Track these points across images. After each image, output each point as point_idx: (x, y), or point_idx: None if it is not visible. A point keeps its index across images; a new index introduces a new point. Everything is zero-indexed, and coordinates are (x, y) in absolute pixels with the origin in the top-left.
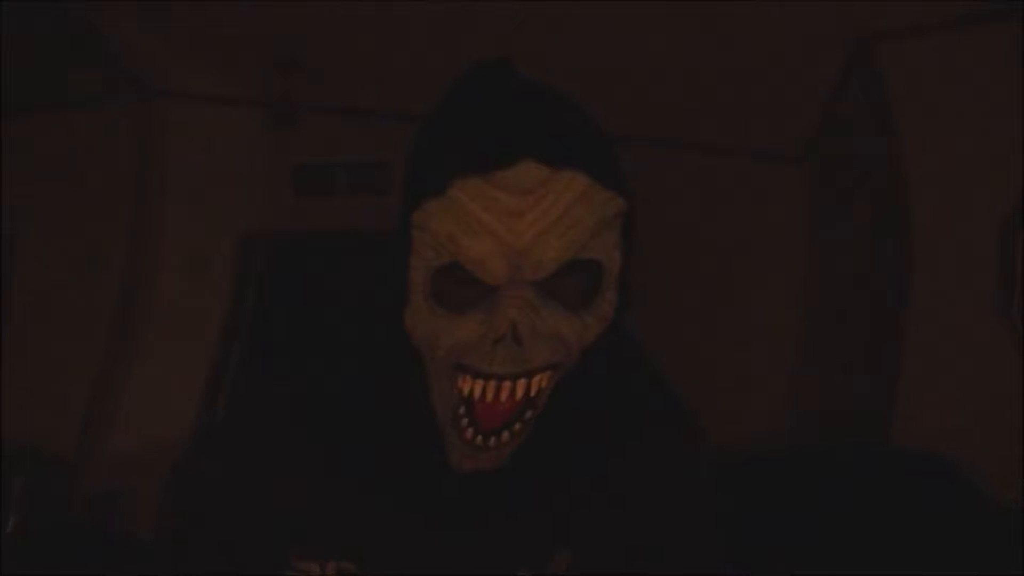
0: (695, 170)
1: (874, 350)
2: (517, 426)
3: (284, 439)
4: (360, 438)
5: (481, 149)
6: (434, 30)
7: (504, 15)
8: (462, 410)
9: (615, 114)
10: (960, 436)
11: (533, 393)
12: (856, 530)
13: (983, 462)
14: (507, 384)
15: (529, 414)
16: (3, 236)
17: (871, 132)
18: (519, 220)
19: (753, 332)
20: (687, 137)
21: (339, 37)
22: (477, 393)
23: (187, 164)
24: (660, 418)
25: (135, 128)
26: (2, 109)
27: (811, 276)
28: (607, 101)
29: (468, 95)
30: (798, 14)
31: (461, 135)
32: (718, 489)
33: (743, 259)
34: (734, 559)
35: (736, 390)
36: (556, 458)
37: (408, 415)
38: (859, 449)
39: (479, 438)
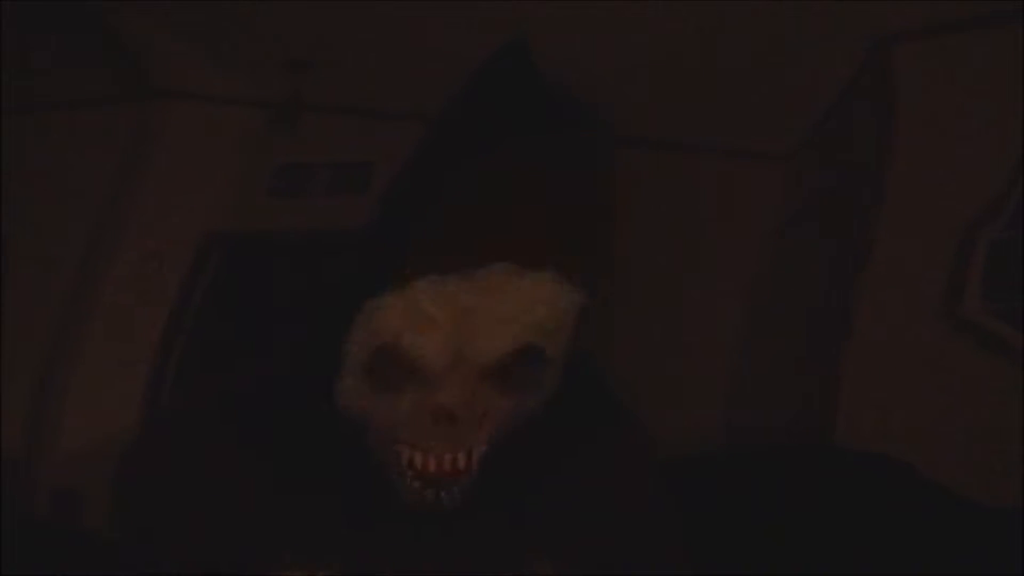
0: (666, 168)
1: (820, 351)
2: (463, 478)
3: (235, 440)
4: (315, 443)
5: (454, 250)
6: (424, 30)
7: (494, 14)
8: (406, 464)
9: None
10: (906, 436)
11: (473, 461)
12: (815, 531)
13: (931, 462)
14: (447, 456)
15: (474, 467)
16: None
17: (868, 133)
18: (472, 317)
19: (701, 331)
20: (658, 135)
21: (343, 38)
22: (418, 462)
23: (173, 164)
24: (614, 420)
25: (128, 128)
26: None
27: (763, 275)
28: (595, 98)
29: (463, 146)
30: (804, 16)
31: (433, 227)
32: (672, 490)
33: (700, 257)
34: (695, 561)
35: (680, 389)
36: (515, 466)
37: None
38: (814, 450)
39: (429, 492)
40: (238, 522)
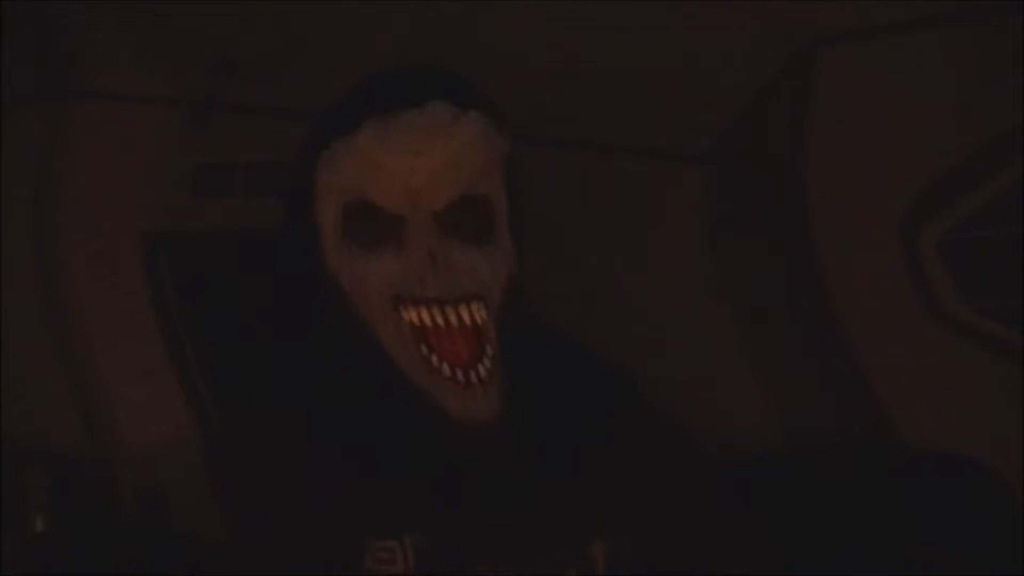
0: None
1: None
2: (487, 361)
3: (300, 430)
4: (367, 423)
5: (391, 92)
6: (343, 30)
7: (411, 15)
8: (424, 349)
9: (516, 112)
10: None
11: (478, 321)
12: (895, 532)
13: None
14: (450, 309)
15: (489, 350)
16: None
17: (784, 133)
18: (416, 159)
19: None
20: (591, 136)
21: (264, 36)
22: (427, 320)
23: (95, 164)
24: (653, 412)
25: (47, 128)
26: None
27: (720, 278)
28: (510, 98)
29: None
30: (724, 16)
31: (371, 84)
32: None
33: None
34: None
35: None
36: (561, 451)
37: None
38: (884, 450)
39: (458, 372)
40: (321, 514)
